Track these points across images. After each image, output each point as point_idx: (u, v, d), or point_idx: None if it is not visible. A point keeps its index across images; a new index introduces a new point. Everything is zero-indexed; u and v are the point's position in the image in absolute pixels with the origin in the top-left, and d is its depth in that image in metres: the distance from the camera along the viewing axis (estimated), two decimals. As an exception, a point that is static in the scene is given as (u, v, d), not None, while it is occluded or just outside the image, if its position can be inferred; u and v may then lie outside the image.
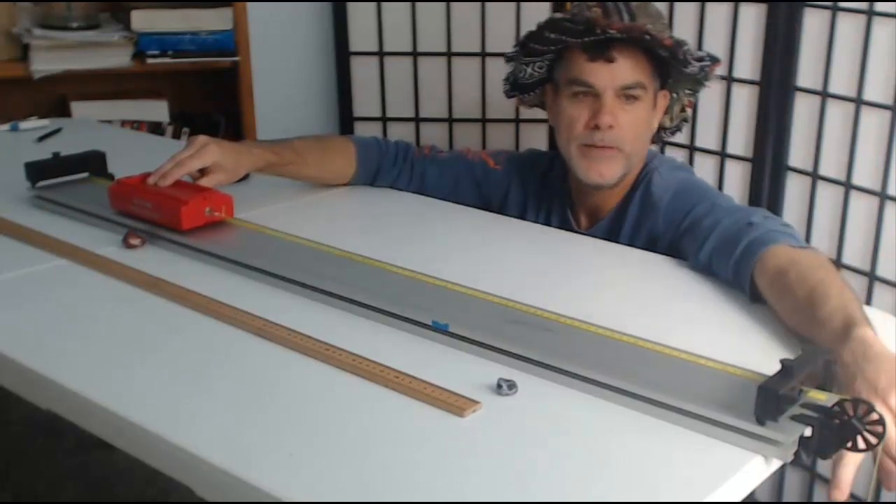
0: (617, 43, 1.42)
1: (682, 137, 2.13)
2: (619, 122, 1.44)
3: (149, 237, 1.37)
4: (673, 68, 1.48)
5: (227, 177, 1.46)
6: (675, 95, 1.54)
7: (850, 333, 0.99)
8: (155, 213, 1.38)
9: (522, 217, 1.61)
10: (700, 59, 1.45)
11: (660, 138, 1.62)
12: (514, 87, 1.60)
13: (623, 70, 1.43)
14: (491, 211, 1.64)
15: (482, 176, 1.66)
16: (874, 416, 0.84)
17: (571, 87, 1.46)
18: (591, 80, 1.43)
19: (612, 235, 1.52)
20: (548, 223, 1.59)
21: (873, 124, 1.83)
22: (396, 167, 1.66)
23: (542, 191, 1.62)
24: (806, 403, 0.88)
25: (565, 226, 1.57)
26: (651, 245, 1.46)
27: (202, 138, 1.46)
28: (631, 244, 1.48)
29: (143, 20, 2.34)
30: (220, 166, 1.45)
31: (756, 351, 0.98)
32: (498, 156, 1.68)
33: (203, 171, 1.45)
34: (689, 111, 1.59)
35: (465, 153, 1.70)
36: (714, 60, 1.48)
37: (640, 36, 1.40)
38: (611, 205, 1.54)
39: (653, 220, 1.47)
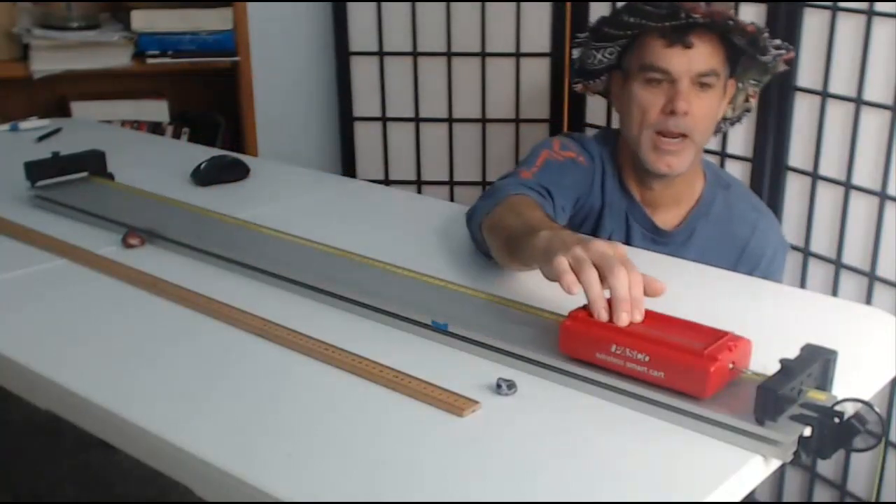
0: (697, 28, 1.40)
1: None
2: (692, 109, 1.43)
3: (148, 237, 1.37)
4: (747, 56, 1.46)
5: None
6: (740, 85, 1.53)
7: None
8: (654, 370, 0.92)
9: (598, 224, 1.53)
10: (777, 48, 1.44)
11: (719, 128, 1.60)
12: (580, 73, 1.58)
13: (700, 57, 1.42)
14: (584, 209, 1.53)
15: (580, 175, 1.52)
16: (874, 417, 0.84)
17: (645, 73, 1.44)
18: (667, 66, 1.42)
19: (693, 231, 1.55)
20: (628, 230, 1.53)
21: (873, 124, 1.83)
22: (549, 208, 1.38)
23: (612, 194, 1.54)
24: (805, 403, 0.88)
25: (647, 227, 1.54)
26: (717, 250, 1.52)
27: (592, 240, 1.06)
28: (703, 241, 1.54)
29: (143, 20, 2.34)
30: None
31: (756, 351, 0.98)
32: (577, 152, 1.53)
33: None
34: (752, 101, 1.57)
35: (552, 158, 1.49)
36: (788, 49, 1.46)
37: (723, 22, 1.39)
38: (682, 195, 1.55)
39: (733, 243, 1.53)
